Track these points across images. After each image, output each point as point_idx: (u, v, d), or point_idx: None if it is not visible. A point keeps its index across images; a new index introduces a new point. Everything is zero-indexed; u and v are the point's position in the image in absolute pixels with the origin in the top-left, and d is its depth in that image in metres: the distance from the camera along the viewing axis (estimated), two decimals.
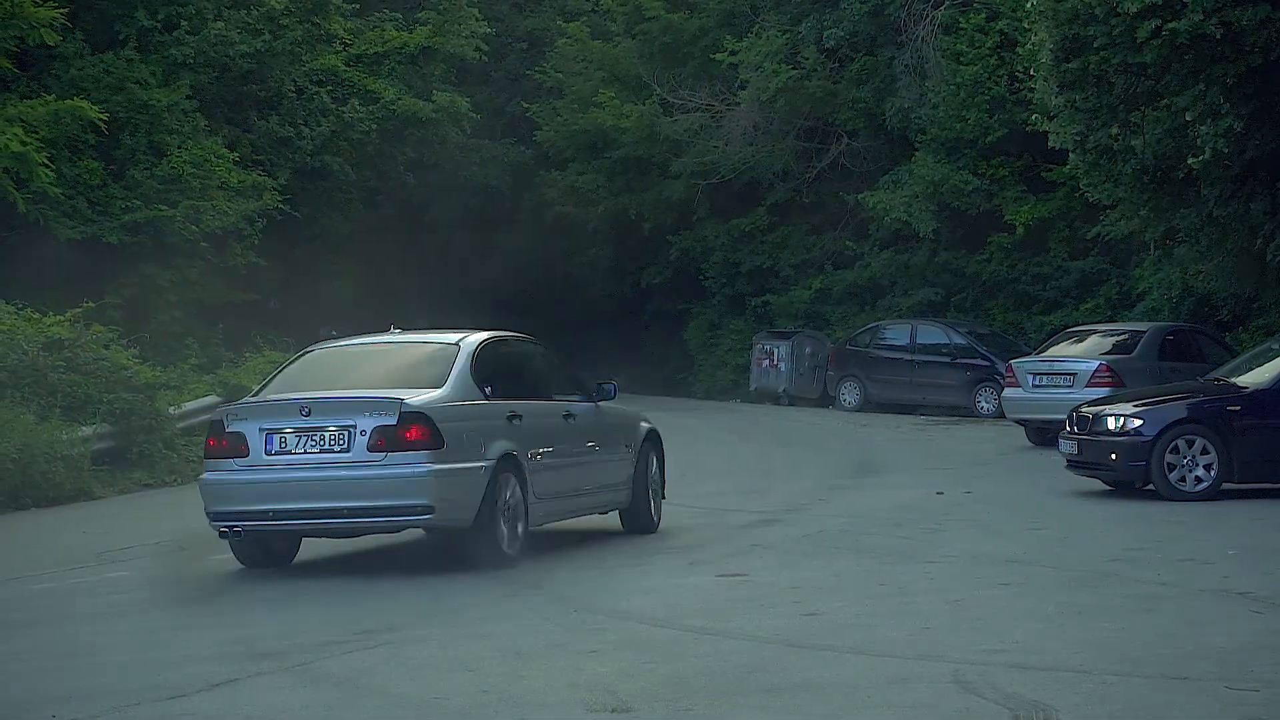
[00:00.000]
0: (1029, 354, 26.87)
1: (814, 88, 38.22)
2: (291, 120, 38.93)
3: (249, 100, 38.21)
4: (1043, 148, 28.12)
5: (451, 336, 13.92)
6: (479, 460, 12.73)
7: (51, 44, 30.03)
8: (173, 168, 33.20)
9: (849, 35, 37.36)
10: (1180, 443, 16.86)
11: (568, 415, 14.43)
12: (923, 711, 8.05)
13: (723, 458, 23.02)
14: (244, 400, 14.00)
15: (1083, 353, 24.29)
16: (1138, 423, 17.14)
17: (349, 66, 42.69)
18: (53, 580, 13.41)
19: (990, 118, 34.00)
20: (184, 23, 34.53)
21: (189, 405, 23.71)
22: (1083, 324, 28.73)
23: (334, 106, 40.44)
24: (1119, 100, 21.82)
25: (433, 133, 45.26)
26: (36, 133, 29.15)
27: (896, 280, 37.27)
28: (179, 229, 33.01)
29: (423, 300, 56.22)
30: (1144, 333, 24.66)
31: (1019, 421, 24.73)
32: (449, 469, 12.48)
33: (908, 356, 32.55)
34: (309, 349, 14.68)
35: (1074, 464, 17.86)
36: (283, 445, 12.66)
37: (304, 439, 12.60)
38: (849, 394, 33.63)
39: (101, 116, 30.35)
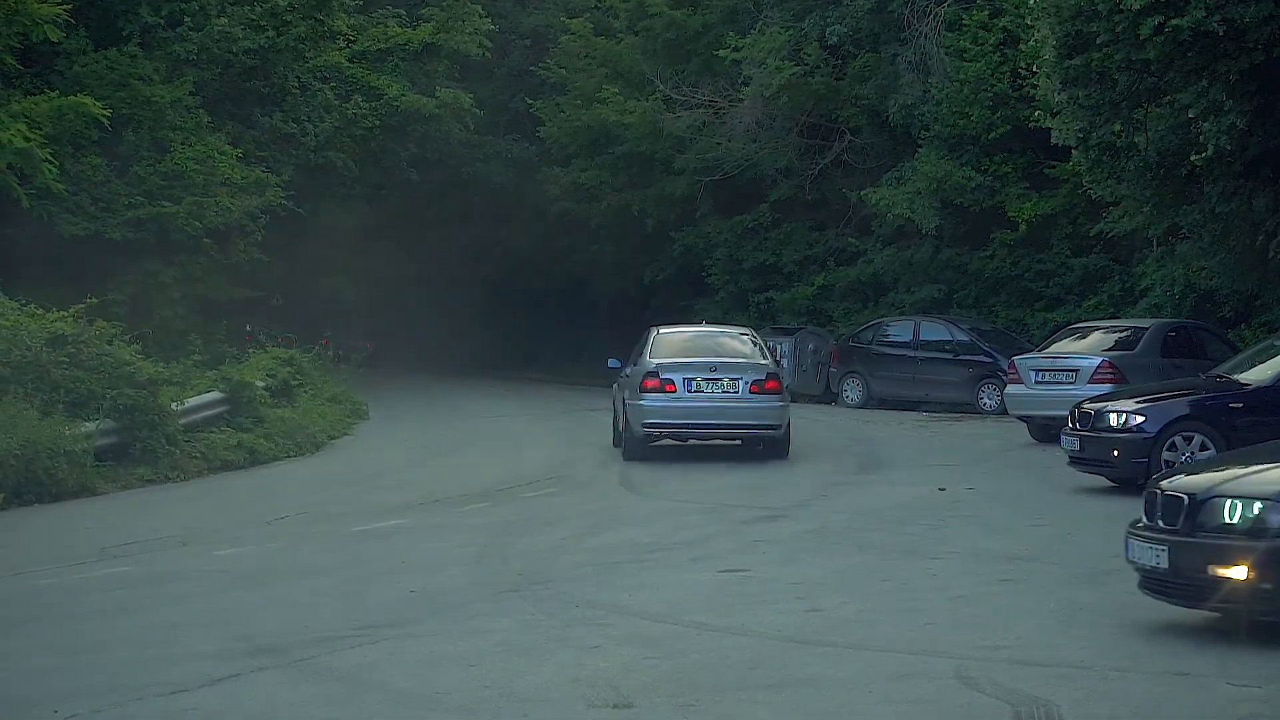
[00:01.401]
0: (1031, 350, 26.87)
1: (817, 84, 38.20)
2: (295, 116, 38.96)
3: (252, 96, 38.21)
4: (1046, 144, 28.10)
5: (744, 329, 25.88)
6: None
7: (55, 40, 30.02)
8: (176, 164, 33.21)
9: (852, 32, 37.35)
10: (1178, 439, 16.87)
11: None
12: (924, 707, 8.06)
13: (725, 453, 23.01)
14: (669, 359, 21.94)
15: (1085, 349, 24.25)
16: (1140, 419, 17.14)
17: (352, 63, 42.73)
18: (55, 576, 13.42)
19: (993, 114, 33.98)
20: (187, 19, 34.52)
21: (192, 401, 23.69)
22: (1085, 320, 28.69)
23: (337, 103, 40.48)
24: (1122, 97, 21.81)
25: (436, 129, 45.31)
26: (40, 129, 29.16)
27: (899, 277, 37.26)
28: (182, 225, 33.02)
29: (426, 296, 56.38)
30: (1146, 329, 24.63)
31: (1021, 418, 24.71)
32: (787, 405, 22.23)
33: (910, 353, 32.53)
34: (662, 330, 23.70)
35: (1076, 460, 17.85)
36: (697, 388, 21.60)
37: (710, 384, 21.58)
38: (851, 390, 33.61)
39: (105, 113, 30.35)
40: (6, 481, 18.50)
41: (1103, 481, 17.87)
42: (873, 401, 33.03)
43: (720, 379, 21.69)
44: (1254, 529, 9.52)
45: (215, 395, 24.88)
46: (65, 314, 22.43)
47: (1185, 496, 9.93)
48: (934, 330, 32.73)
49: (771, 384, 21.77)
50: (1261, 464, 10.35)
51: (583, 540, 14.64)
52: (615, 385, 24.43)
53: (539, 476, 20.01)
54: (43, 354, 21.09)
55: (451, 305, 56.24)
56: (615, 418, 24.02)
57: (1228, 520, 9.64)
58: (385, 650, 9.70)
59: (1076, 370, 23.44)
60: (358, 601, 11.61)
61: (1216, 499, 9.80)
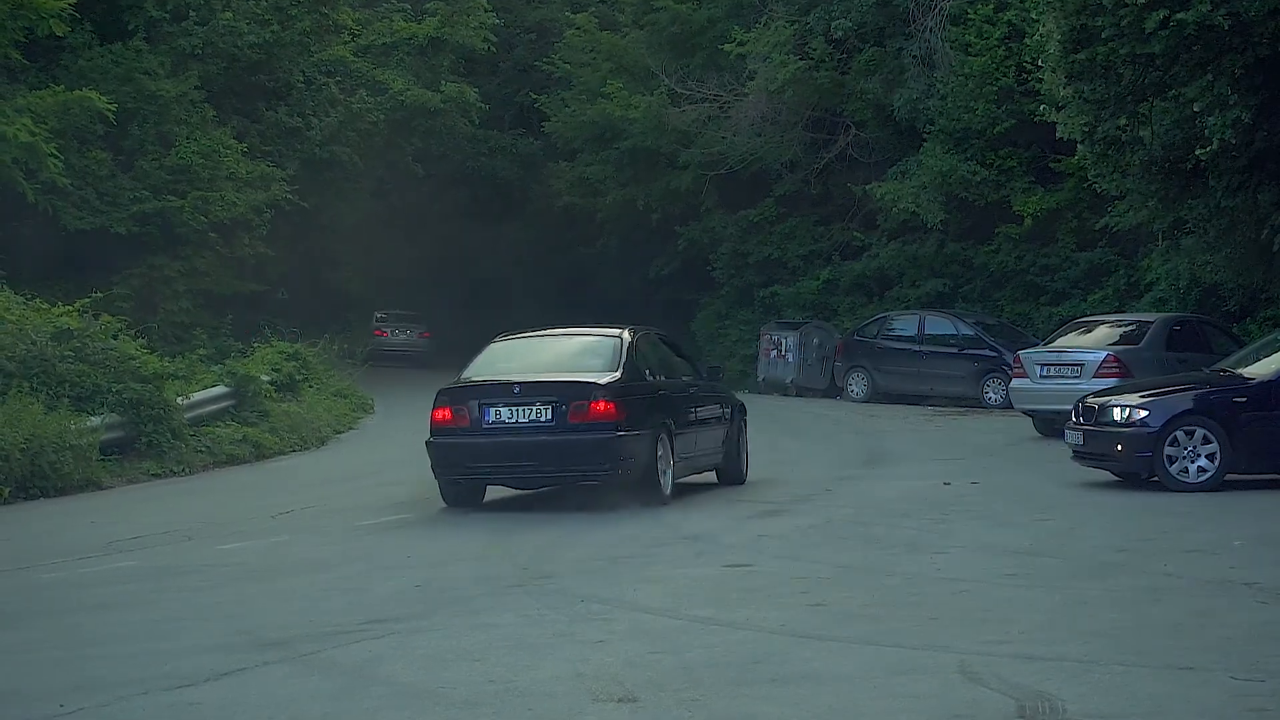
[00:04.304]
0: (1037, 345, 26.86)
1: (822, 78, 38.19)
2: (300, 111, 39.00)
3: (257, 91, 38.26)
4: (1051, 139, 28.05)
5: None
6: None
7: (60, 35, 30.07)
8: (181, 158, 33.26)
9: (857, 26, 37.32)
10: (1180, 434, 16.86)
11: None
12: (929, 702, 8.06)
13: None
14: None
15: (1090, 343, 24.26)
16: (1143, 414, 17.13)
17: (357, 57, 42.76)
18: (61, 570, 13.43)
19: (998, 108, 33.96)
20: (192, 13, 34.58)
21: (197, 395, 23.71)
22: (1091, 315, 28.71)
23: (342, 97, 40.51)
24: (1127, 91, 21.79)
25: (441, 123, 45.36)
26: (45, 123, 29.21)
27: (904, 271, 37.25)
28: (187, 219, 33.08)
29: (431, 290, 56.38)
30: (1151, 323, 24.64)
31: (1026, 412, 24.72)
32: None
33: (915, 347, 32.54)
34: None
35: (1080, 455, 17.85)
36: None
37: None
38: (857, 385, 33.62)
39: (110, 107, 30.39)
40: (12, 475, 18.54)
41: (1107, 476, 17.87)
42: (878, 396, 33.04)
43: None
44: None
45: (220, 389, 24.90)
46: (70, 308, 22.46)
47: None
48: (939, 325, 32.75)
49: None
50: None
51: (586, 534, 14.65)
52: None
53: None
54: (48, 348, 21.12)
55: (455, 299, 56.23)
56: None
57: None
58: (390, 645, 9.70)
59: (1081, 365, 23.44)
60: (363, 596, 11.61)
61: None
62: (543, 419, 15.86)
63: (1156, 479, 16.98)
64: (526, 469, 16.20)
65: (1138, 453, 17.03)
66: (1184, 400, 17.29)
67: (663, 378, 17.42)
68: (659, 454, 16.38)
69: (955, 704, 7.99)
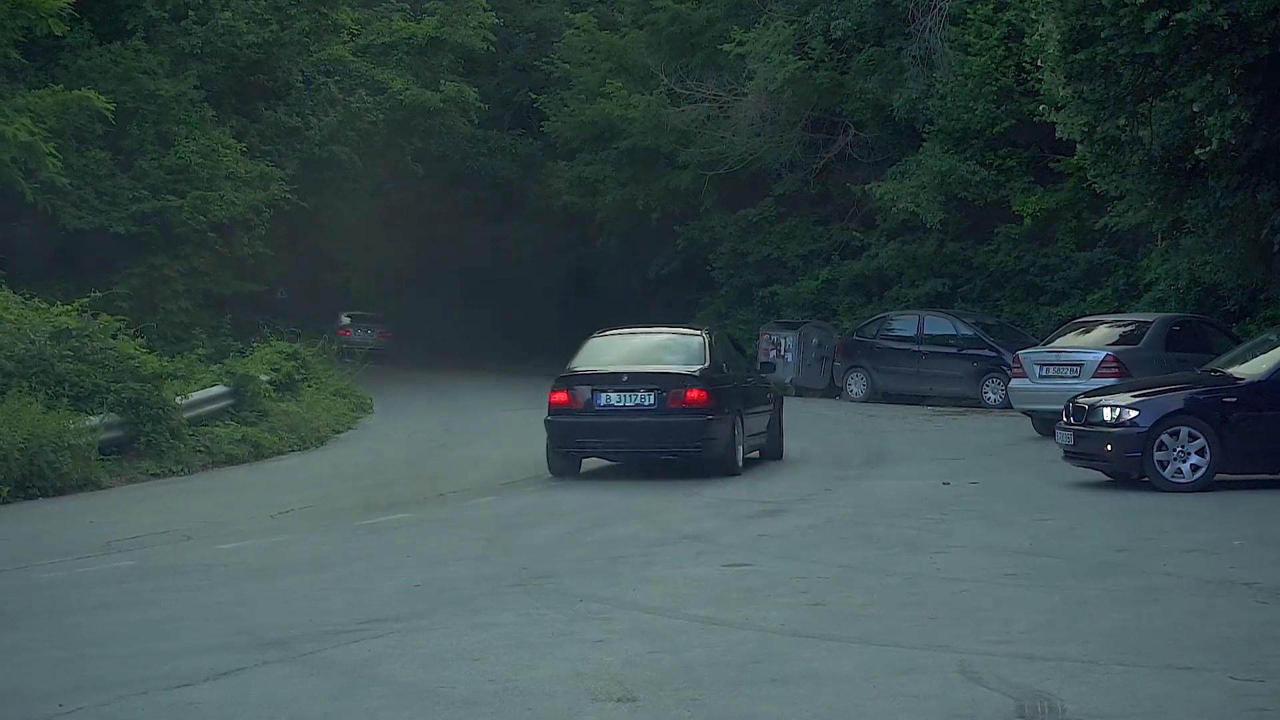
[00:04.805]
0: (1036, 345, 26.85)
1: (821, 78, 38.19)
2: (299, 110, 38.99)
3: (256, 90, 38.25)
4: (1050, 139, 28.05)
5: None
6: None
7: (59, 34, 30.05)
8: (180, 158, 33.26)
9: (856, 26, 37.32)
10: (1165, 436, 16.85)
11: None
12: (928, 702, 8.06)
13: None
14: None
15: (1090, 343, 24.25)
16: (1133, 414, 17.11)
17: (356, 56, 42.77)
18: (60, 570, 13.43)
19: (998, 108, 33.97)
20: (191, 13, 34.57)
21: (196, 395, 23.70)
22: (1090, 315, 28.71)
23: (341, 96, 40.51)
24: (1126, 91, 21.79)
25: (440, 123, 45.36)
26: (44, 123, 29.21)
27: (904, 271, 37.26)
28: (186, 219, 33.08)
29: (430, 290, 56.40)
30: (1151, 324, 24.63)
31: (1026, 412, 24.71)
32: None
33: (915, 347, 32.54)
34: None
35: (1070, 455, 17.86)
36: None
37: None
38: (856, 384, 33.62)
39: (109, 106, 30.39)
40: (11, 475, 18.53)
41: (1105, 476, 17.86)
42: (877, 396, 33.04)
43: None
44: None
45: (219, 389, 24.89)
46: (69, 308, 22.46)
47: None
48: (938, 325, 32.75)
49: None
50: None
51: (586, 534, 14.65)
52: None
53: (543, 470, 20.01)
54: (47, 348, 21.11)
55: (455, 300, 56.26)
56: None
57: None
58: (390, 644, 9.70)
59: (1081, 365, 23.43)
60: (362, 595, 11.61)
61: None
62: (646, 403, 18.81)
63: (1147, 479, 16.97)
64: (630, 445, 19.22)
65: (1127, 453, 17.02)
66: (1174, 400, 17.26)
67: (731, 370, 20.09)
68: (734, 434, 19.23)
69: (955, 704, 7.99)
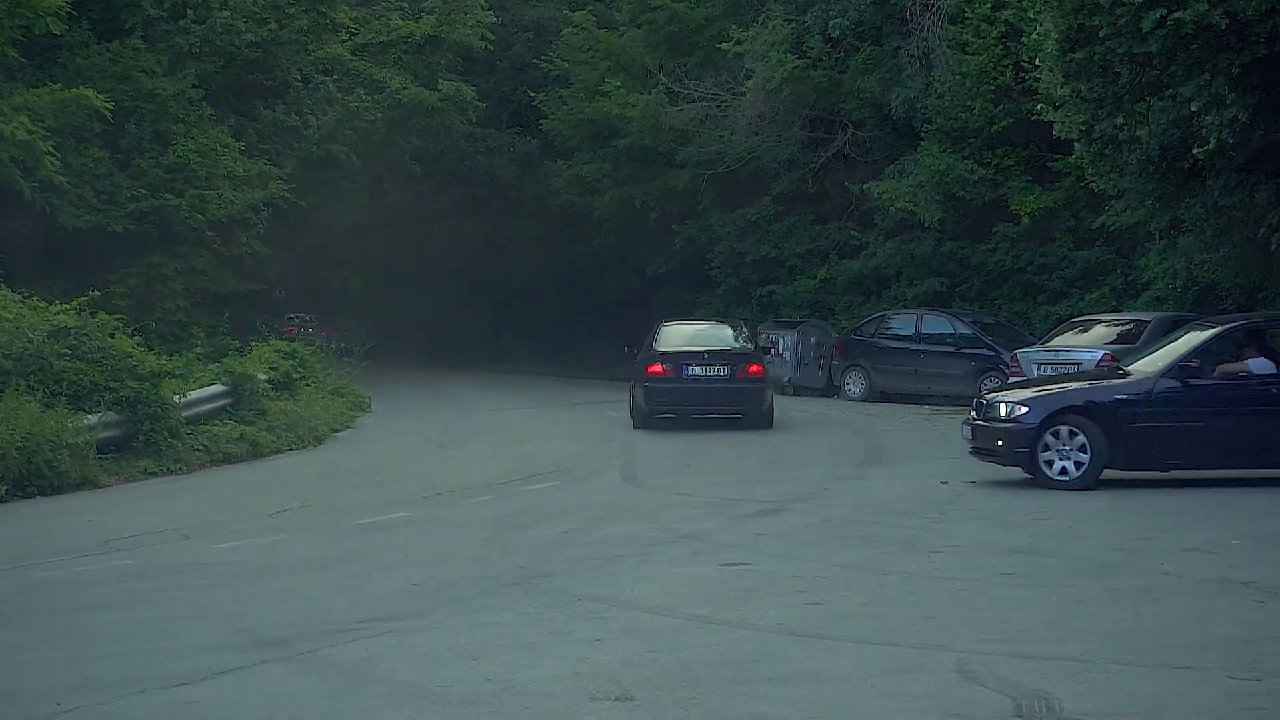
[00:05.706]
0: (1034, 344, 26.86)
1: (819, 77, 38.19)
2: (297, 109, 38.97)
3: (255, 89, 38.23)
4: (1048, 138, 28.07)
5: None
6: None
7: (57, 33, 30.05)
8: (178, 157, 33.23)
9: (854, 25, 37.32)
10: (1049, 435, 16.90)
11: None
12: (926, 701, 8.07)
13: (727, 446, 23.04)
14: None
15: (1087, 343, 24.28)
16: (1024, 410, 17.14)
17: (355, 55, 42.73)
18: (57, 569, 13.43)
19: (996, 107, 33.96)
20: (190, 11, 34.54)
21: (194, 394, 23.71)
22: (1088, 314, 28.71)
23: (340, 95, 40.48)
24: (1124, 90, 21.79)
25: (438, 122, 45.31)
26: (42, 121, 29.19)
27: (902, 270, 37.25)
28: (185, 218, 33.05)
29: (428, 290, 56.39)
30: (1149, 322, 24.64)
31: None
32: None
33: (913, 346, 32.54)
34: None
35: (973, 450, 17.92)
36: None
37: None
38: (854, 384, 33.62)
39: (107, 105, 30.38)
40: (9, 474, 18.53)
41: (1103, 475, 17.85)
42: (875, 395, 33.04)
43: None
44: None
45: (218, 388, 24.91)
46: (67, 306, 22.46)
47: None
48: (936, 324, 32.74)
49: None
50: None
51: (585, 534, 14.65)
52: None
53: (541, 470, 20.02)
54: (45, 346, 21.11)
55: (454, 299, 56.25)
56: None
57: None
58: (388, 643, 9.70)
59: (1079, 364, 23.46)
60: (360, 594, 11.61)
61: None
62: (722, 374, 25.29)
63: (1031, 476, 17.05)
64: (708, 405, 25.60)
65: (1016, 448, 17.09)
66: (1064, 398, 17.27)
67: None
68: (773, 399, 26.10)
69: (952, 703, 7.99)
